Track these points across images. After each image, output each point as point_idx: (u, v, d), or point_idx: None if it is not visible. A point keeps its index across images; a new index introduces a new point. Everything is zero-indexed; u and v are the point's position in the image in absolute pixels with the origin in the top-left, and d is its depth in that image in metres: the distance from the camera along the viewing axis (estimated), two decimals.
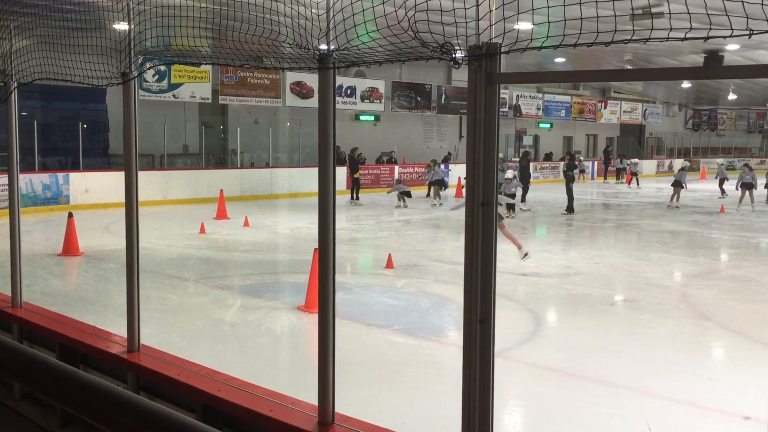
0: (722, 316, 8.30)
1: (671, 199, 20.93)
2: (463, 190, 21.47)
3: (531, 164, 22.32)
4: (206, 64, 19.32)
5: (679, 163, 28.87)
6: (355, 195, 21.61)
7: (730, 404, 5.51)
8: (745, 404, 5.52)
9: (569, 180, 19.41)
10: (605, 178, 34.03)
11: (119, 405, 1.42)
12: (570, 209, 18.75)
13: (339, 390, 3.66)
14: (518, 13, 2.81)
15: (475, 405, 2.98)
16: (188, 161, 23.37)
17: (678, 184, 20.78)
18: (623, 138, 40.81)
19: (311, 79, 23.79)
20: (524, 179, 20.74)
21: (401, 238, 14.45)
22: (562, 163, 25.42)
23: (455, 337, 7.00)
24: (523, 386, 5.91)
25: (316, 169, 3.66)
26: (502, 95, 2.69)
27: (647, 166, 36.83)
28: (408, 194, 20.88)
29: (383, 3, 3.24)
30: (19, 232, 6.11)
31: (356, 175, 21.89)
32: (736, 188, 21.33)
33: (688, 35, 2.37)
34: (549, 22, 2.59)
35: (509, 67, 2.95)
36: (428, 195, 23.01)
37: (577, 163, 31.72)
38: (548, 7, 2.80)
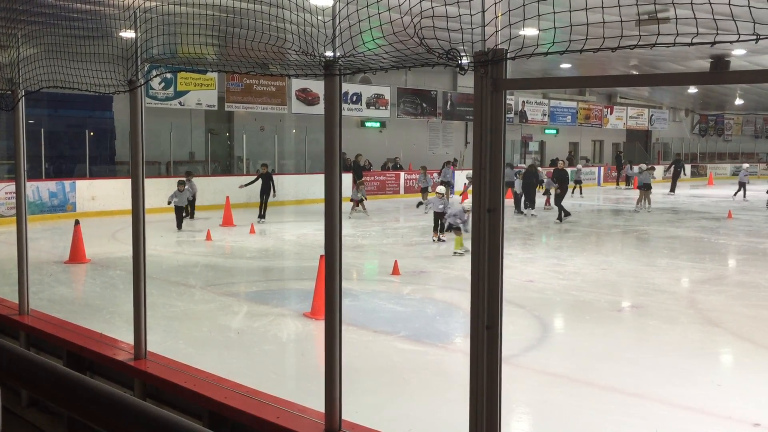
0: (731, 322, 8.26)
1: (735, 195, 25.10)
2: (469, 195, 21.47)
3: (538, 172, 21.96)
4: (212, 71, 19.40)
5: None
6: None
7: (739, 411, 5.47)
8: (755, 411, 5.49)
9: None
10: (617, 184, 34.00)
11: (126, 412, 1.42)
12: (559, 218, 18.49)
13: (345, 397, 3.65)
14: (524, 19, 2.81)
15: (482, 412, 2.96)
16: (194, 168, 23.40)
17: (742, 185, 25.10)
18: (630, 144, 40.71)
19: (317, 86, 23.81)
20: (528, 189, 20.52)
21: (407, 244, 14.44)
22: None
23: (462, 343, 6.98)
24: (530, 393, 5.89)
25: (322, 175, 3.66)
26: (507, 101, 2.66)
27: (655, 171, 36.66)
28: (361, 201, 19.41)
29: (389, 10, 3.24)
30: (26, 240, 6.13)
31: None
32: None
33: (694, 40, 2.37)
34: (555, 28, 2.58)
35: (515, 73, 2.95)
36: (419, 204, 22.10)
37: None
38: (554, 12, 2.80)
